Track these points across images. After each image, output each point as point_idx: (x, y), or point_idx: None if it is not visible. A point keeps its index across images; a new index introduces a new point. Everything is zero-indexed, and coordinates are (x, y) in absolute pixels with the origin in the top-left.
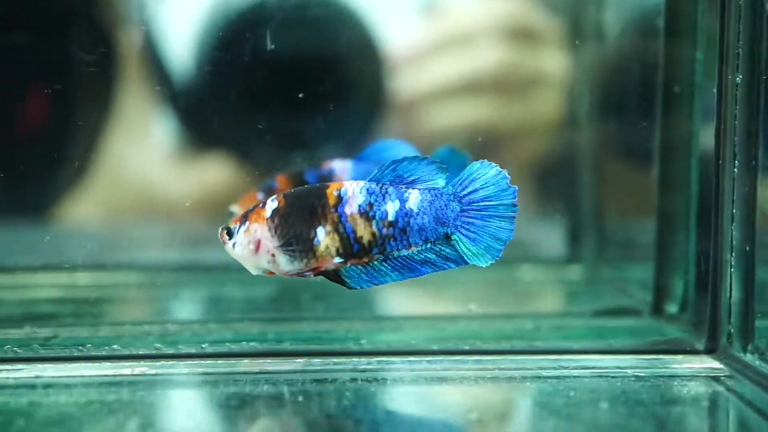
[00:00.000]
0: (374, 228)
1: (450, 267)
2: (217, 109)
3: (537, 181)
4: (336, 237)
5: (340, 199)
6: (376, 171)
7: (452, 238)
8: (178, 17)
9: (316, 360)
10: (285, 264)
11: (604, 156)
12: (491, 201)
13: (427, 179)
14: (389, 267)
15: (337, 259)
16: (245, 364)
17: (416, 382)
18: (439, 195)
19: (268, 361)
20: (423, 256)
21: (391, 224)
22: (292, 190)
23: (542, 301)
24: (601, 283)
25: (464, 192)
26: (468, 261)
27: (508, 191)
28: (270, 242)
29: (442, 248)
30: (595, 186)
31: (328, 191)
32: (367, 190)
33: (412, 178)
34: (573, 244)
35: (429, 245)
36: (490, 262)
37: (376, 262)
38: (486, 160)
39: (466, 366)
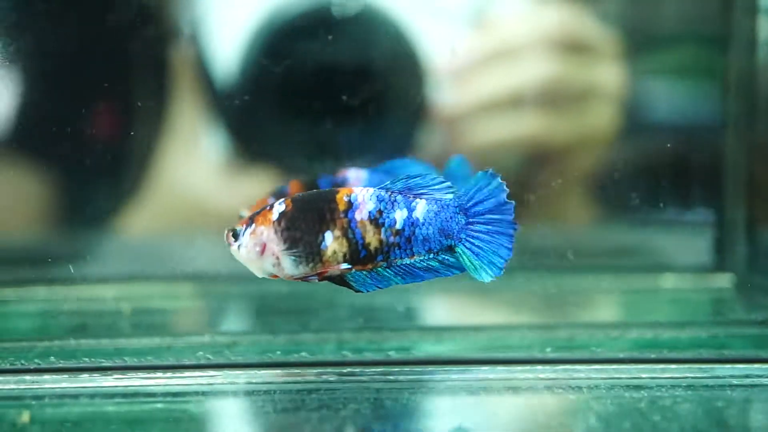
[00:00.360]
0: (382, 235)
1: (453, 273)
2: (265, 121)
3: (683, 188)
4: (344, 242)
5: (350, 205)
6: (388, 182)
7: (456, 250)
8: (227, 31)
9: None
10: (290, 267)
11: (755, 161)
12: (494, 215)
13: (435, 192)
14: (392, 273)
15: (344, 265)
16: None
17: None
18: (445, 207)
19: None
20: (425, 264)
21: (398, 232)
22: (301, 194)
23: (695, 310)
24: (754, 292)
25: (469, 204)
26: (473, 274)
27: (507, 206)
28: (276, 245)
29: (445, 257)
30: (744, 192)
31: (338, 196)
32: (378, 197)
33: (421, 190)
34: (720, 253)
35: (432, 255)
36: (492, 278)
37: (379, 269)
38: (491, 171)
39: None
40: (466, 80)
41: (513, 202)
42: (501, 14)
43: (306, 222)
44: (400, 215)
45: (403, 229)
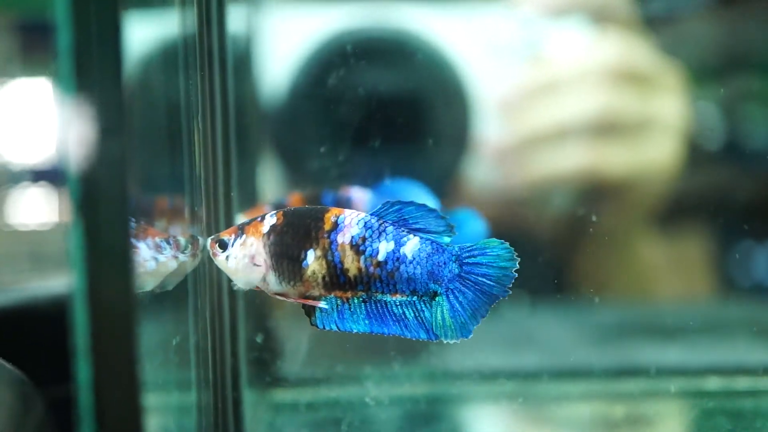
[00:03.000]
0: (361, 263)
1: (419, 336)
2: (311, 150)
3: None
4: (324, 264)
5: (335, 226)
6: (380, 206)
7: (437, 299)
8: (276, 63)
9: None
10: (274, 283)
11: None
12: (490, 279)
13: (433, 232)
14: (364, 312)
15: (323, 303)
16: None
17: None
18: (440, 251)
19: None
20: (401, 311)
21: (379, 264)
22: (293, 209)
23: None
24: None
25: (468, 259)
26: (436, 333)
27: (508, 278)
28: (263, 258)
29: (424, 310)
30: None
31: (327, 215)
32: (365, 223)
33: (418, 225)
34: None
35: (414, 299)
36: (456, 340)
37: (356, 300)
38: (506, 243)
39: None
40: (520, 113)
41: (516, 275)
42: (556, 47)
43: (292, 237)
44: (384, 247)
45: (385, 261)
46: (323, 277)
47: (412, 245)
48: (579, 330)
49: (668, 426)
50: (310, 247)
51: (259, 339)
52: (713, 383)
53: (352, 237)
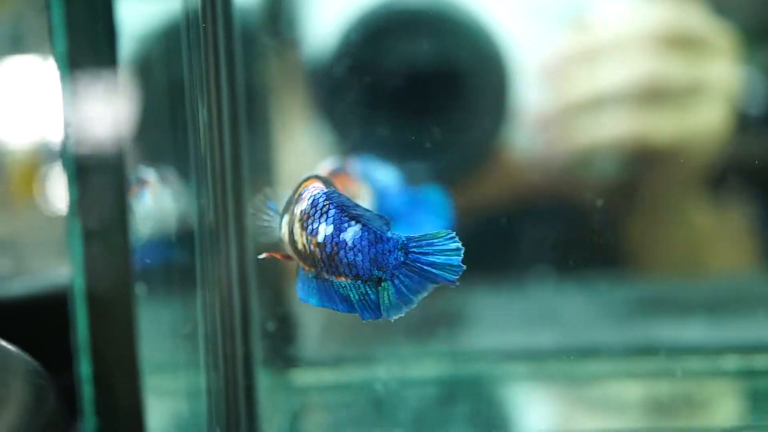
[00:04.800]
0: (305, 240)
1: (365, 317)
2: (351, 121)
3: None
4: (286, 231)
5: (299, 196)
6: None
7: (382, 284)
8: (322, 33)
9: None
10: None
11: None
12: (436, 268)
13: (370, 223)
14: (315, 287)
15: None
16: None
17: None
18: (384, 240)
19: None
20: (346, 293)
21: (318, 245)
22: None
23: None
24: None
25: (415, 248)
26: (382, 312)
27: (454, 267)
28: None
29: (369, 292)
30: None
31: (303, 184)
32: (313, 201)
33: (356, 213)
34: None
35: (359, 283)
36: (396, 316)
37: (309, 274)
38: (454, 234)
39: None
40: (563, 79)
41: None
42: (602, 11)
43: (287, 201)
44: (323, 229)
45: (324, 244)
46: (287, 244)
47: (352, 233)
48: (627, 304)
49: (724, 408)
50: (285, 212)
51: (269, 326)
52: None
53: (301, 211)
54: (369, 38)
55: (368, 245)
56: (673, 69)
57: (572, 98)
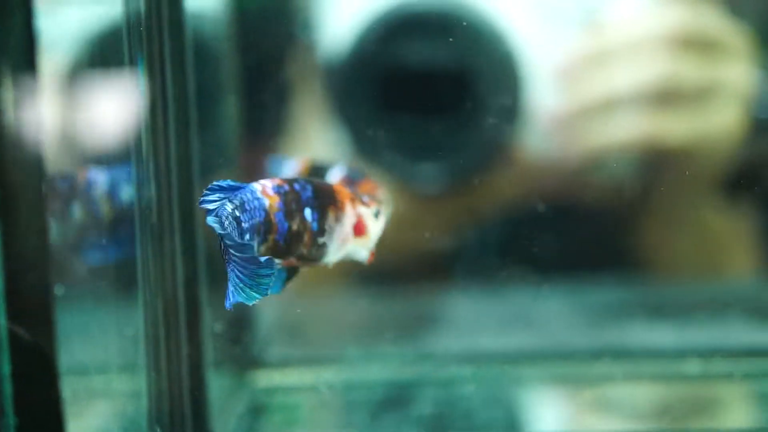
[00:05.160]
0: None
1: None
2: (366, 121)
3: None
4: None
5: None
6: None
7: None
8: (336, 33)
9: None
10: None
11: None
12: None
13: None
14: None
15: None
16: None
17: None
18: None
19: None
20: None
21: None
22: None
23: None
24: None
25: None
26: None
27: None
28: None
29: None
30: None
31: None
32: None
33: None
34: None
35: None
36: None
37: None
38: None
39: None
40: (576, 81)
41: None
42: (615, 12)
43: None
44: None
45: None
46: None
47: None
48: (641, 306)
49: (732, 412)
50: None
51: (217, 329)
52: None
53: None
54: (382, 40)
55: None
56: (688, 71)
57: (586, 100)
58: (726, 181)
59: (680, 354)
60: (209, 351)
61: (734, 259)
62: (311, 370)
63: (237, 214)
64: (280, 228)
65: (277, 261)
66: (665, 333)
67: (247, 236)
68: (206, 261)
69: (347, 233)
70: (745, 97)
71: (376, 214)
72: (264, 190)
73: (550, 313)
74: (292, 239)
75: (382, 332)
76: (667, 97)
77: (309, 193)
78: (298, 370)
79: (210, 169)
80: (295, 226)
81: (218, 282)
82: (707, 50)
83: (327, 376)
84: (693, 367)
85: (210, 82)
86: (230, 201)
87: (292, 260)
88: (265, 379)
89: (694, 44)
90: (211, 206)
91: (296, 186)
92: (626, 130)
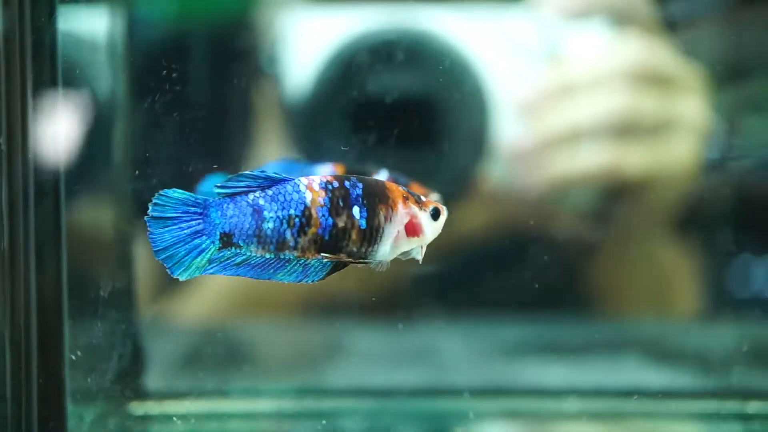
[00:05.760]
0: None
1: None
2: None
3: None
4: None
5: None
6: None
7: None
8: (300, 66)
9: None
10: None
11: None
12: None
13: None
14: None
15: None
16: None
17: None
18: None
19: None
20: None
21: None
22: None
23: None
24: None
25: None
26: None
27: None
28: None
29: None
30: None
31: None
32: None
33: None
34: None
35: None
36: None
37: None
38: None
39: None
40: (539, 114)
41: None
42: (576, 49)
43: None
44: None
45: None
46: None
47: None
48: (538, 345)
49: None
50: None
51: (74, 356)
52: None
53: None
54: (348, 70)
55: None
56: (645, 105)
57: (547, 132)
58: (677, 217)
59: (562, 393)
60: (68, 381)
61: (677, 296)
62: (186, 401)
63: (261, 202)
64: (324, 223)
65: (324, 255)
66: (556, 372)
67: (271, 224)
68: (68, 287)
69: (400, 233)
70: (699, 134)
71: (433, 214)
72: (310, 185)
73: (449, 350)
74: (337, 235)
75: (272, 363)
76: (625, 130)
77: (359, 191)
78: (176, 401)
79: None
80: (341, 223)
81: (81, 309)
82: (663, 86)
83: (206, 407)
84: (572, 405)
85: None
86: (262, 189)
87: (342, 256)
88: (142, 409)
89: (651, 80)
90: (227, 190)
91: (346, 183)
92: (587, 161)
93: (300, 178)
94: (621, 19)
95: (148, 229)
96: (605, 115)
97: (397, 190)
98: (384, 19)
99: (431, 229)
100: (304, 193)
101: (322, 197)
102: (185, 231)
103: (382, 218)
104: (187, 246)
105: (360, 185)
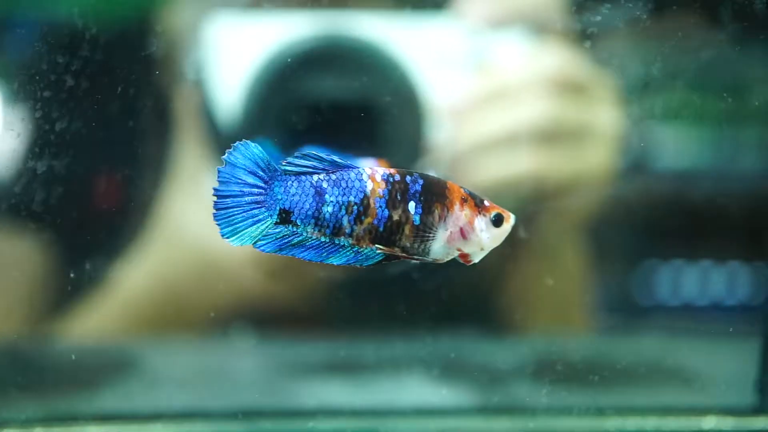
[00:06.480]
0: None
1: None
2: None
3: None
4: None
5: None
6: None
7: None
8: (229, 73)
9: None
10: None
11: None
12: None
13: None
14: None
15: None
16: None
17: None
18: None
19: None
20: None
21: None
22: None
23: None
24: None
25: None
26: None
27: None
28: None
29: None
30: None
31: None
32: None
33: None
34: None
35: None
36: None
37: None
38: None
39: None
40: (466, 120)
41: None
42: (500, 57)
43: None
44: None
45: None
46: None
47: None
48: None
49: None
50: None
51: None
52: None
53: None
54: (280, 77)
55: None
56: (563, 112)
57: (474, 138)
58: (589, 225)
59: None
60: None
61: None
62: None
63: (324, 185)
64: (380, 214)
65: (378, 246)
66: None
67: (330, 208)
68: None
69: (453, 234)
70: (611, 142)
71: (495, 220)
72: (372, 176)
73: (244, 369)
74: (391, 228)
75: None
76: (547, 137)
77: (418, 187)
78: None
79: None
80: (396, 216)
81: None
82: (579, 95)
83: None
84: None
85: None
86: (326, 172)
87: (396, 250)
88: None
89: (568, 88)
90: (295, 168)
91: (408, 178)
92: (512, 167)
93: (364, 168)
94: (539, 29)
95: (217, 178)
96: (527, 122)
97: (457, 192)
98: (317, 26)
99: (488, 235)
100: (365, 182)
101: (382, 188)
102: (246, 199)
103: (436, 217)
104: (245, 214)
105: (420, 182)
